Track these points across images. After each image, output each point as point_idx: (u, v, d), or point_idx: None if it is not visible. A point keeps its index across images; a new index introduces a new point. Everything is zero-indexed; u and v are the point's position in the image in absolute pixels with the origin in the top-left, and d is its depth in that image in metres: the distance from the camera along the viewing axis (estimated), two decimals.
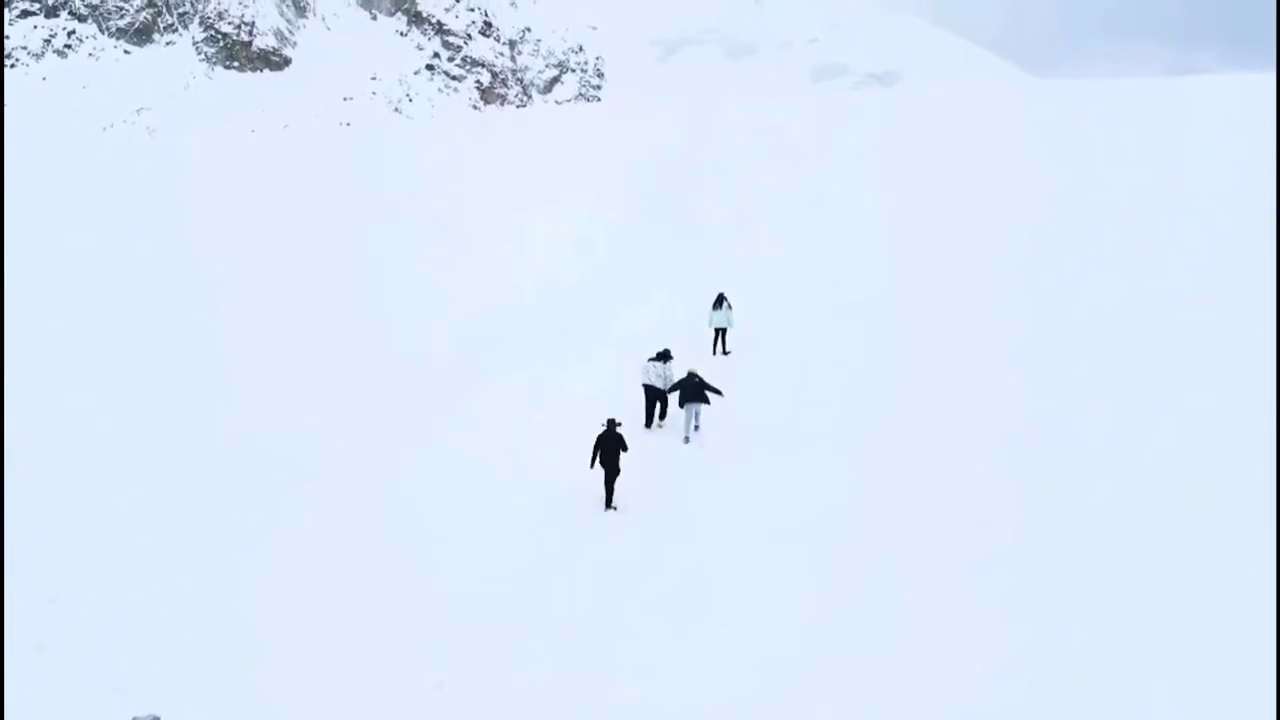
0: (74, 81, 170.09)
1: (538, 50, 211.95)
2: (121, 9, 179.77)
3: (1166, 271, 23.09)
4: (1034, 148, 35.10)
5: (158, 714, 9.00)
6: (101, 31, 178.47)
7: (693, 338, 21.83)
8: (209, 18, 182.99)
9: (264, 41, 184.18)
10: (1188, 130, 34.78)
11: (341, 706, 11.04)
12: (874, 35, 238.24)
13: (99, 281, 29.92)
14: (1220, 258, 23.44)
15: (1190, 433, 15.67)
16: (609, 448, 15.30)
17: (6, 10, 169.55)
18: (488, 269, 29.08)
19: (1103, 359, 18.82)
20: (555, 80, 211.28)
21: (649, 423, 18.33)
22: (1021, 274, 24.02)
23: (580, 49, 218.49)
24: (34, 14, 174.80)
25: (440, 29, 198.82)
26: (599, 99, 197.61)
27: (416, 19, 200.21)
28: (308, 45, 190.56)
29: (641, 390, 18.46)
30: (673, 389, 17.95)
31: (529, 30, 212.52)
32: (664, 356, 18.36)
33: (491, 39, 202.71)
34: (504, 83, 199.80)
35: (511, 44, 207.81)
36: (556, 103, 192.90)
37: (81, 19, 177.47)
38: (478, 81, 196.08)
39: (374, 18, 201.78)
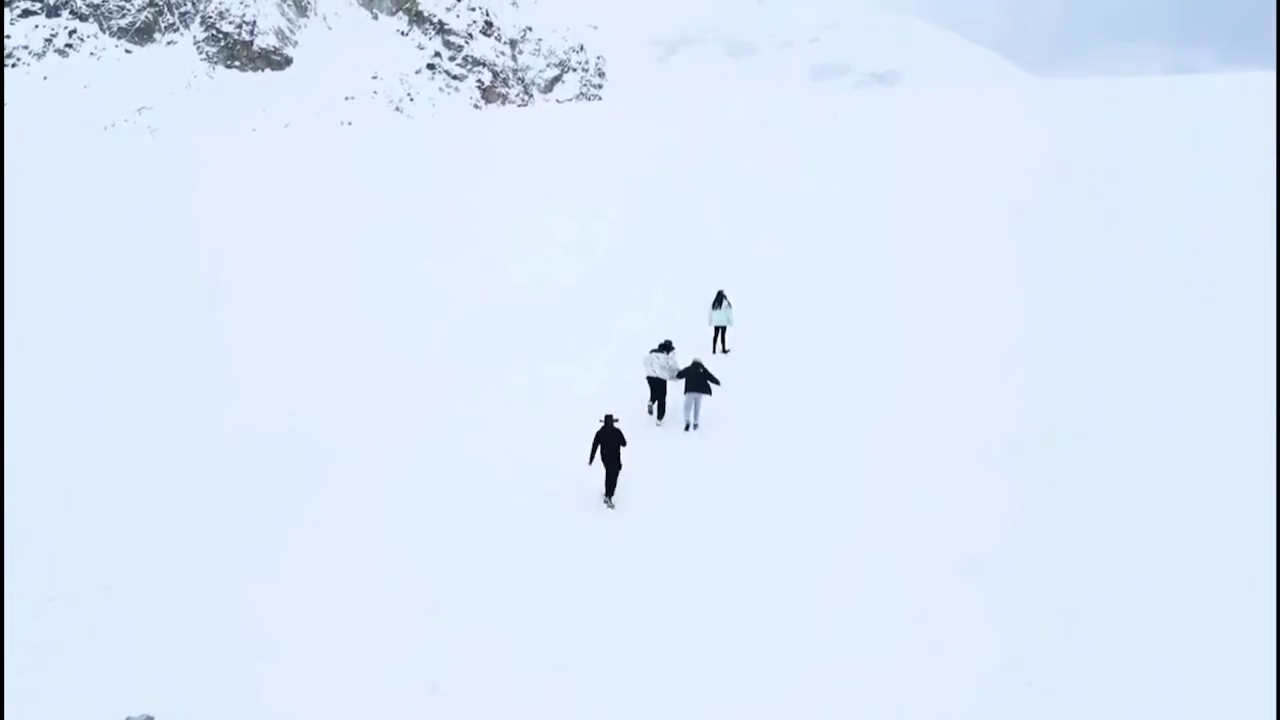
0: (75, 81, 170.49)
1: (539, 50, 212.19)
2: (123, 8, 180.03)
3: (1167, 271, 23.12)
4: (1034, 147, 35.12)
5: (152, 714, 8.97)
6: (103, 31, 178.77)
7: (692, 336, 21.82)
8: (210, 17, 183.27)
9: (265, 41, 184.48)
10: (1188, 129, 34.83)
11: (340, 706, 11.01)
12: (875, 35, 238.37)
13: (99, 280, 29.93)
14: (1220, 257, 23.48)
15: (1190, 432, 15.67)
16: (608, 443, 15.34)
17: (8, 9, 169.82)
18: (488, 268, 29.09)
19: (1102, 359, 18.81)
20: (556, 79, 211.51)
21: (660, 414, 18.52)
22: (1022, 273, 24.03)
23: (581, 48, 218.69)
24: (35, 13, 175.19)
25: (441, 28, 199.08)
26: (600, 98, 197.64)
27: (418, 18, 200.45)
28: (309, 45, 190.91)
29: (646, 383, 18.73)
30: (679, 376, 18.08)
31: (530, 30, 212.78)
32: (666, 347, 18.49)
33: (492, 38, 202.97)
34: (505, 82, 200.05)
35: (512, 43, 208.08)
36: (558, 102, 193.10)
37: (83, 18, 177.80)
38: (479, 81, 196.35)
39: (375, 17, 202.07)
